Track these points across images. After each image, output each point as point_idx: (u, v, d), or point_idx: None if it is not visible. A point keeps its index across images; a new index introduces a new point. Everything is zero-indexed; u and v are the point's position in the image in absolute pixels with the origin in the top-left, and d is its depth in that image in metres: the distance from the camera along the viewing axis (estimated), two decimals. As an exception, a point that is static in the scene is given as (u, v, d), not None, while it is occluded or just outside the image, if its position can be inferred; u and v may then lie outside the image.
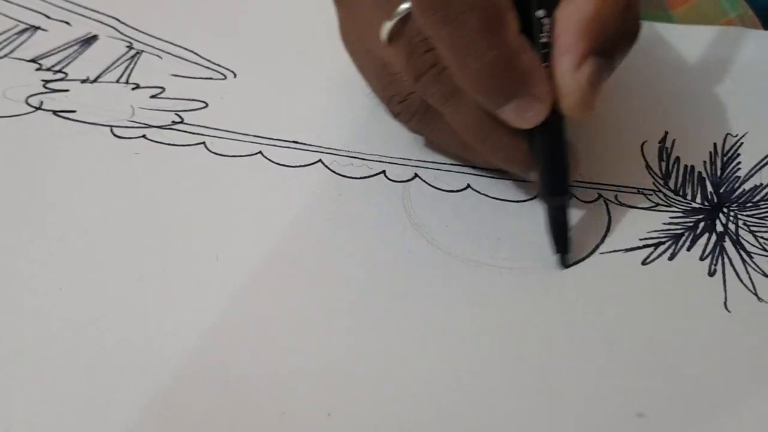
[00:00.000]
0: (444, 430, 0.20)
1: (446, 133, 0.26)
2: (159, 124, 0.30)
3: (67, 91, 0.31)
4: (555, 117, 0.23)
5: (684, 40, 0.35)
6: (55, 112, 0.30)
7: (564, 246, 0.25)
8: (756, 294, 0.25)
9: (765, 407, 0.22)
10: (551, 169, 0.24)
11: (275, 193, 0.27)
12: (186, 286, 0.24)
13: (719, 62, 0.34)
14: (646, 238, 0.27)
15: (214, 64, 0.33)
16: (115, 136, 0.29)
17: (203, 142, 0.29)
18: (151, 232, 0.25)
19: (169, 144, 0.29)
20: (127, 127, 0.30)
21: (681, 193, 0.29)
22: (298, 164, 0.29)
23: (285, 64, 0.32)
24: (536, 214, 0.27)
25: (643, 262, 0.26)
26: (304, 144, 0.29)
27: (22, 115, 0.30)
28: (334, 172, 0.28)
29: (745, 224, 0.27)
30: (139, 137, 0.29)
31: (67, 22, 0.35)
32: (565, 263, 0.25)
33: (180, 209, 0.26)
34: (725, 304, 0.24)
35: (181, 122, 0.30)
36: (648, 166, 0.30)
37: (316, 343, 0.22)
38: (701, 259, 0.26)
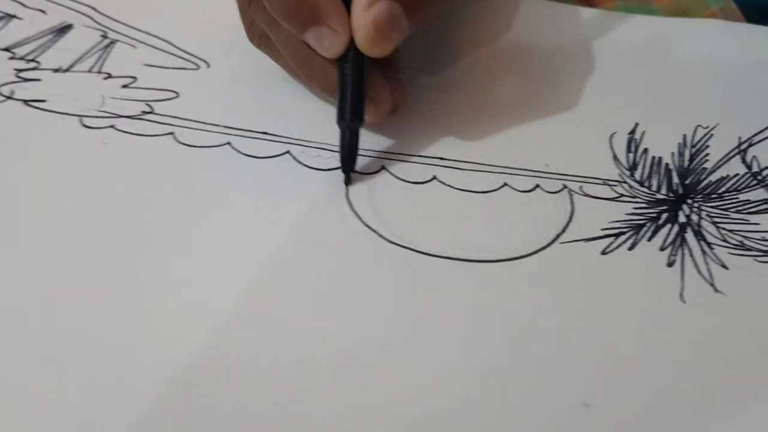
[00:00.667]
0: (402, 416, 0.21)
1: (281, 57, 0.29)
2: (129, 114, 0.30)
3: (39, 80, 0.31)
4: (357, 50, 0.26)
5: (666, 33, 0.35)
6: (25, 102, 0.30)
7: (349, 167, 0.27)
8: (713, 285, 0.25)
9: (716, 397, 0.22)
10: (347, 96, 0.26)
11: (243, 184, 0.27)
12: (154, 276, 0.24)
13: (700, 55, 0.34)
14: (607, 228, 0.27)
15: (189, 54, 0.33)
16: (84, 126, 0.29)
17: (172, 133, 0.29)
18: (119, 222, 0.26)
19: (137, 134, 0.29)
20: (96, 117, 0.30)
21: (647, 185, 0.29)
22: (266, 155, 0.29)
23: (257, 55, 0.32)
24: (500, 206, 0.27)
25: (603, 252, 0.26)
26: (273, 135, 0.29)
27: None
28: (301, 163, 0.29)
29: (708, 215, 0.27)
30: (107, 127, 0.29)
31: (43, 11, 0.35)
32: (348, 182, 0.27)
33: (147, 200, 0.26)
34: (681, 294, 0.24)
35: (151, 112, 0.30)
36: (615, 157, 0.30)
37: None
38: (661, 249, 0.26)
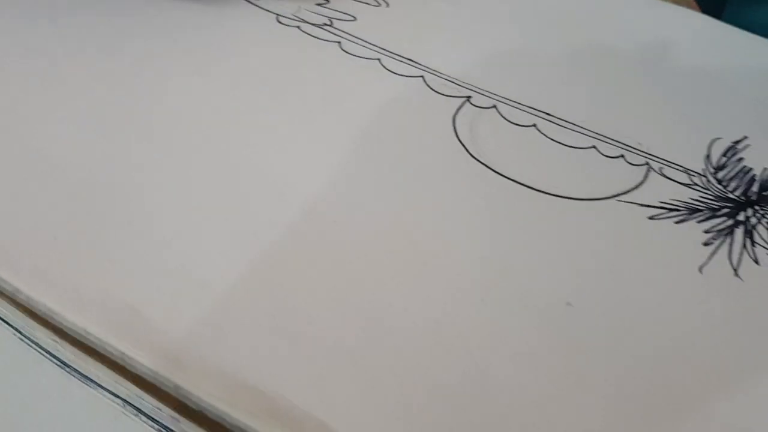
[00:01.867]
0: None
1: None
2: (313, 22, 0.37)
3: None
4: None
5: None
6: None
7: None
8: (736, 271, 0.27)
9: (700, 361, 0.24)
10: None
11: (372, 90, 0.33)
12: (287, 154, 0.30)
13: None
14: (666, 203, 0.30)
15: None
16: (279, 22, 0.37)
17: (339, 42, 0.36)
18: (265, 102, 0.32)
19: (313, 36, 0.36)
20: (289, 18, 0.37)
21: (724, 184, 0.31)
22: (403, 74, 0.35)
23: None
24: (581, 161, 0.31)
25: (650, 217, 0.29)
26: (413, 61, 0.35)
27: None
28: (432, 89, 0.34)
29: (767, 223, 0.29)
30: (294, 27, 0.37)
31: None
32: None
33: (292, 90, 0.33)
34: (701, 268, 0.27)
35: (330, 25, 0.37)
36: (708, 156, 0.32)
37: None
38: (705, 232, 0.29)
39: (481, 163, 0.31)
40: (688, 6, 0.40)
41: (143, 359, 0.21)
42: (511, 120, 0.33)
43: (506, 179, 0.30)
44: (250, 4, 0.38)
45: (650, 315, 0.25)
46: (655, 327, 0.25)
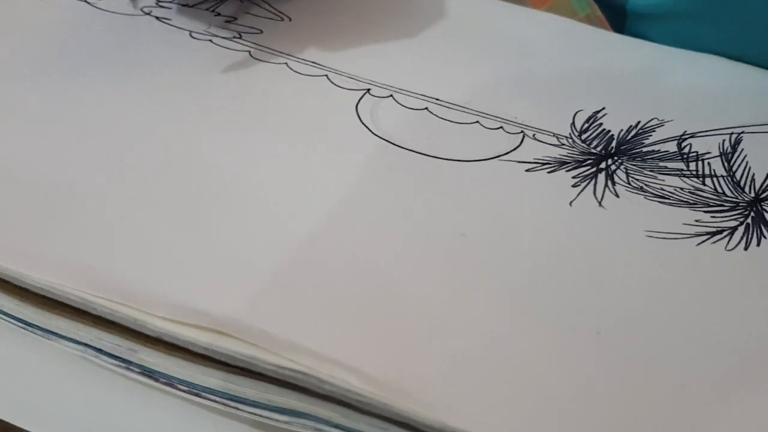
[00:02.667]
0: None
1: None
2: (223, 36, 0.42)
3: (170, 8, 0.44)
4: None
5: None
6: (157, 18, 0.42)
7: None
8: (600, 202, 0.33)
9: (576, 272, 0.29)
10: None
11: (282, 89, 0.38)
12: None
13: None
14: (539, 159, 0.35)
15: (278, 11, 0.45)
16: (192, 37, 0.41)
17: (249, 51, 0.41)
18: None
19: (225, 48, 0.41)
20: (201, 33, 0.42)
21: (587, 143, 0.37)
22: (309, 74, 0.39)
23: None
24: (467, 134, 0.36)
25: (527, 170, 0.34)
26: (317, 63, 0.40)
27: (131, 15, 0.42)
28: (335, 84, 0.39)
29: (625, 168, 0.35)
30: (207, 41, 0.41)
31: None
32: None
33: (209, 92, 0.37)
34: (571, 202, 0.32)
35: (239, 38, 0.42)
36: (573, 124, 0.38)
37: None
38: (573, 177, 0.34)
39: (382, 138, 0.35)
40: (601, 25, 0.46)
41: (104, 301, 0.25)
42: (406, 105, 0.38)
43: (404, 149, 0.35)
44: (163, 24, 0.42)
45: (529, 240, 0.30)
46: (533, 246, 0.30)
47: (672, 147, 0.37)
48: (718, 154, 0.37)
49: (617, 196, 0.33)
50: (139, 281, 0.26)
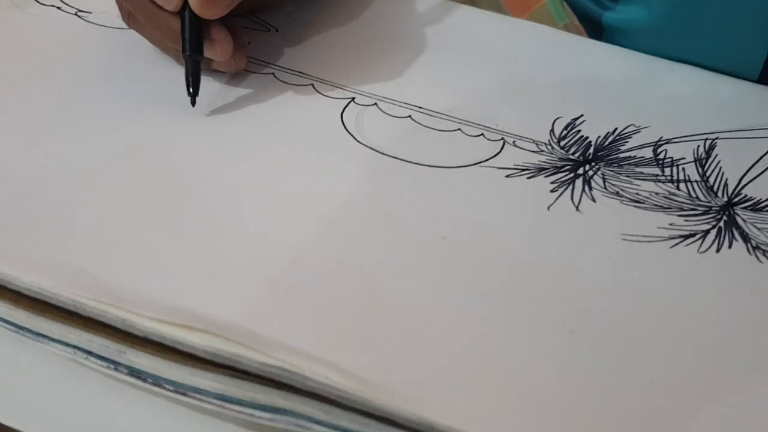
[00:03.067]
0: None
1: (146, 30, 0.38)
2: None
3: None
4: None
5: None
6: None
7: (194, 93, 0.36)
8: (577, 207, 0.34)
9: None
10: (186, 34, 0.36)
11: (268, 97, 0.39)
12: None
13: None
14: (519, 165, 0.36)
15: (266, 23, 0.46)
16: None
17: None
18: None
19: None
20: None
21: (566, 149, 0.38)
22: (294, 83, 0.40)
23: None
24: (450, 141, 0.37)
25: (507, 176, 0.35)
26: (302, 73, 0.41)
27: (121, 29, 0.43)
28: (321, 93, 0.40)
29: (602, 174, 0.36)
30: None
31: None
32: (193, 103, 0.36)
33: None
34: (549, 207, 0.33)
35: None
36: (552, 131, 0.39)
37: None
38: (552, 183, 0.35)
39: (366, 146, 0.36)
40: (579, 34, 0.48)
41: (94, 303, 0.26)
42: (390, 113, 0.39)
43: (388, 156, 0.36)
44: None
45: (508, 243, 0.31)
46: (512, 249, 0.31)
47: (648, 153, 0.38)
48: (692, 159, 0.38)
49: (594, 200, 0.34)
50: (128, 283, 0.27)
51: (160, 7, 0.36)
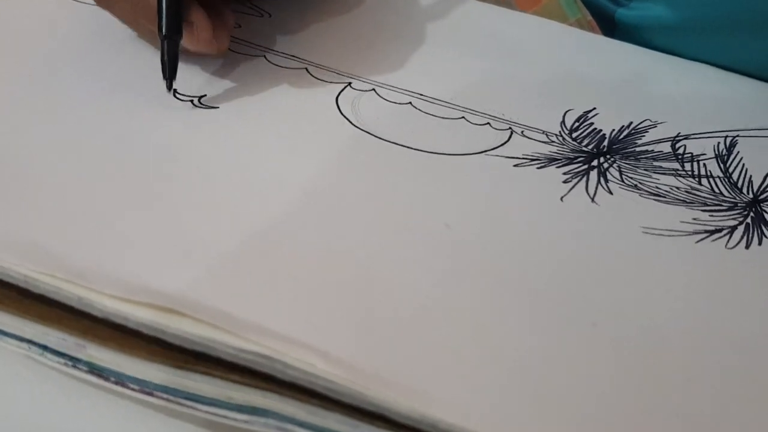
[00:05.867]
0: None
1: (116, 8, 0.35)
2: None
3: None
4: None
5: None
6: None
7: (171, 73, 0.33)
8: (593, 198, 0.31)
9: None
10: (163, 13, 0.32)
11: (259, 81, 0.36)
12: None
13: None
14: (528, 155, 0.33)
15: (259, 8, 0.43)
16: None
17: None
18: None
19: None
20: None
21: (578, 141, 0.35)
22: (288, 66, 0.37)
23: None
24: (454, 129, 0.34)
25: (515, 165, 0.32)
26: (296, 57, 0.38)
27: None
28: (315, 77, 0.37)
29: (618, 167, 0.33)
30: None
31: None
32: (169, 88, 0.33)
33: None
34: (563, 198, 0.30)
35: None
36: (563, 122, 0.36)
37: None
38: (564, 174, 0.32)
39: (363, 130, 0.33)
40: (591, 30, 0.45)
41: (47, 278, 0.22)
42: (389, 99, 0.36)
43: (385, 141, 0.33)
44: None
45: (518, 231, 0.28)
46: (523, 237, 0.28)
47: (666, 148, 0.35)
48: (713, 155, 0.35)
49: (611, 193, 0.31)
50: (87, 259, 0.23)
51: None
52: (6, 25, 0.38)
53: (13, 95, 0.33)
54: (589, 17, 0.45)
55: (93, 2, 0.39)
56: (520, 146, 0.34)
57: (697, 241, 0.29)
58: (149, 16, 0.33)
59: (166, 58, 0.33)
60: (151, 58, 0.36)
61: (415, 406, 0.20)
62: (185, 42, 0.34)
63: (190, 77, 0.35)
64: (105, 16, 0.37)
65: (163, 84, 0.34)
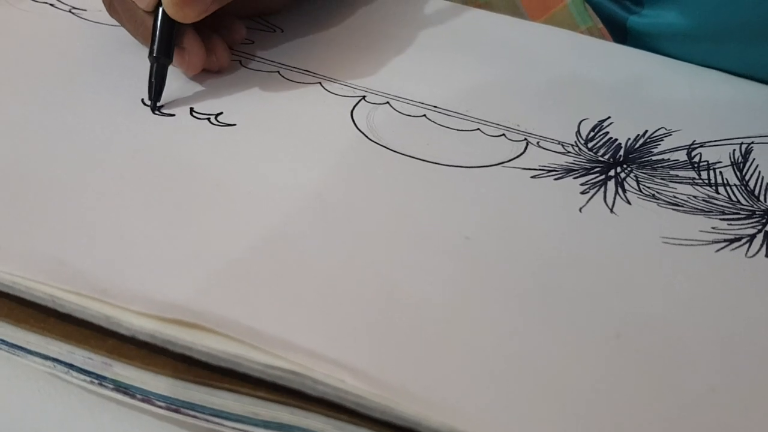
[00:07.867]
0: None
1: (122, 19, 0.36)
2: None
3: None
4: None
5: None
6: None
7: (156, 96, 0.33)
8: (611, 209, 0.31)
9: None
10: (156, 36, 0.33)
11: (274, 96, 0.36)
12: None
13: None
14: (545, 166, 0.33)
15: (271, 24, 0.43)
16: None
17: (239, 60, 0.39)
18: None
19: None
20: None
21: (594, 151, 0.35)
22: (301, 81, 0.38)
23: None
24: (469, 141, 0.34)
25: (533, 177, 0.32)
26: (310, 71, 0.38)
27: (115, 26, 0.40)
28: (329, 92, 0.37)
29: (635, 176, 0.33)
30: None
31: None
32: (154, 109, 0.33)
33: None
34: (581, 209, 0.30)
35: (231, 48, 0.40)
36: (578, 132, 0.36)
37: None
38: (582, 185, 0.32)
39: (379, 144, 0.33)
40: (602, 37, 0.45)
41: (74, 297, 0.22)
42: (403, 112, 0.36)
43: (401, 155, 0.33)
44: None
45: (538, 242, 0.28)
46: (543, 249, 0.28)
47: (682, 156, 0.35)
48: (729, 163, 0.35)
49: (629, 203, 0.31)
50: (113, 277, 0.23)
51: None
52: (25, 47, 0.38)
53: (32, 115, 0.33)
54: (600, 25, 0.45)
55: (106, 22, 0.39)
56: (537, 157, 0.34)
57: (717, 251, 0.29)
58: (146, 36, 0.34)
59: (153, 79, 0.34)
60: (172, 71, 0.36)
61: (446, 421, 0.20)
62: (177, 65, 0.34)
63: (206, 95, 0.36)
64: (120, 33, 0.38)
65: (181, 102, 0.34)
